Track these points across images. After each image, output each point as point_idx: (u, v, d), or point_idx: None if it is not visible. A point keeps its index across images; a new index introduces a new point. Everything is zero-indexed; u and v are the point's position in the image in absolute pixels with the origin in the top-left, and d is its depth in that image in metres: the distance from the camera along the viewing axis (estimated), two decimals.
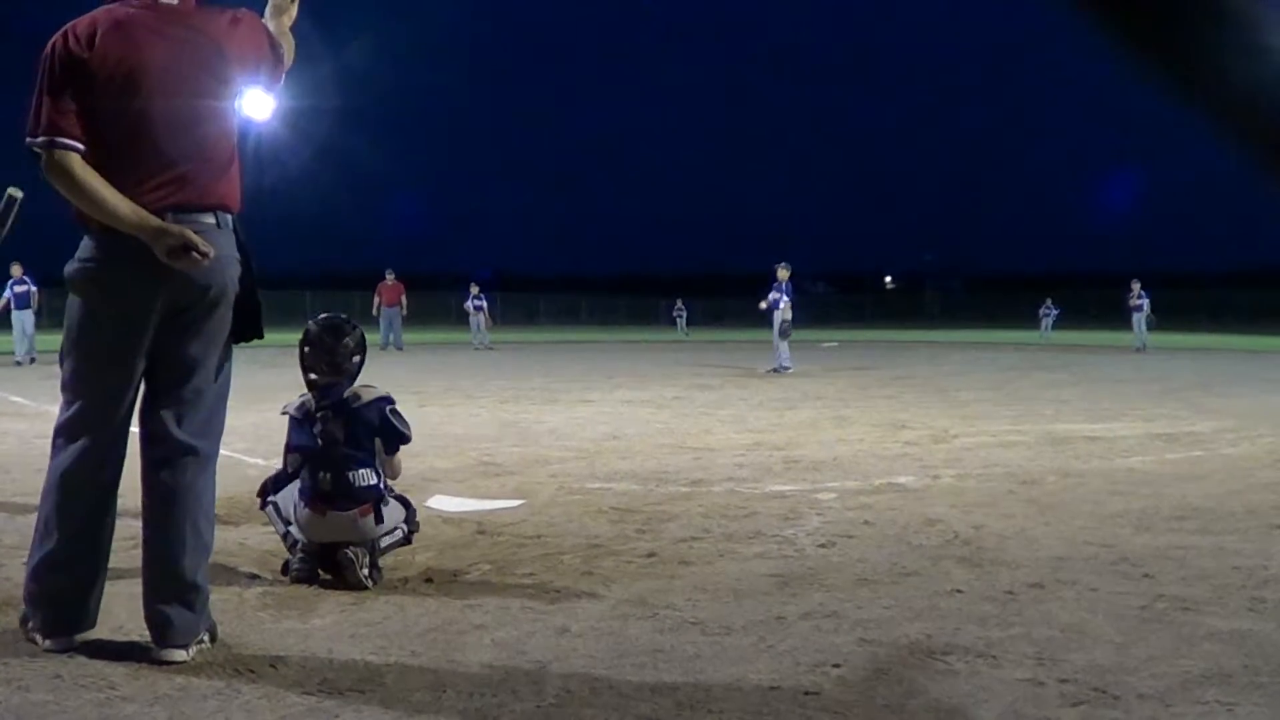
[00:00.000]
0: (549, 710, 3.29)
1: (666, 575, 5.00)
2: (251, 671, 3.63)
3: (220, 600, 4.34)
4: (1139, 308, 32.79)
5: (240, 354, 4.16)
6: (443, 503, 6.85)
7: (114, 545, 3.97)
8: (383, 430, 4.93)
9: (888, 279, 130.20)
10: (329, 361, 5.01)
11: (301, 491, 4.93)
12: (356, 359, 5.09)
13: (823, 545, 5.64)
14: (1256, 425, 11.73)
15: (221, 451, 4.11)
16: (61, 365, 3.88)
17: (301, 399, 5.05)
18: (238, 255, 3.95)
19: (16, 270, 24.37)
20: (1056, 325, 48.56)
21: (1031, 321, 51.91)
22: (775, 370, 20.82)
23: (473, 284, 35.57)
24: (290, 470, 5.04)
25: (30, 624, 3.86)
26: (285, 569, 4.91)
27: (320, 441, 4.90)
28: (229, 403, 4.09)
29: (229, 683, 3.52)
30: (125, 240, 3.66)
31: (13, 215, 5.75)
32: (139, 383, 3.88)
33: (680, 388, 17.53)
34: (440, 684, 3.52)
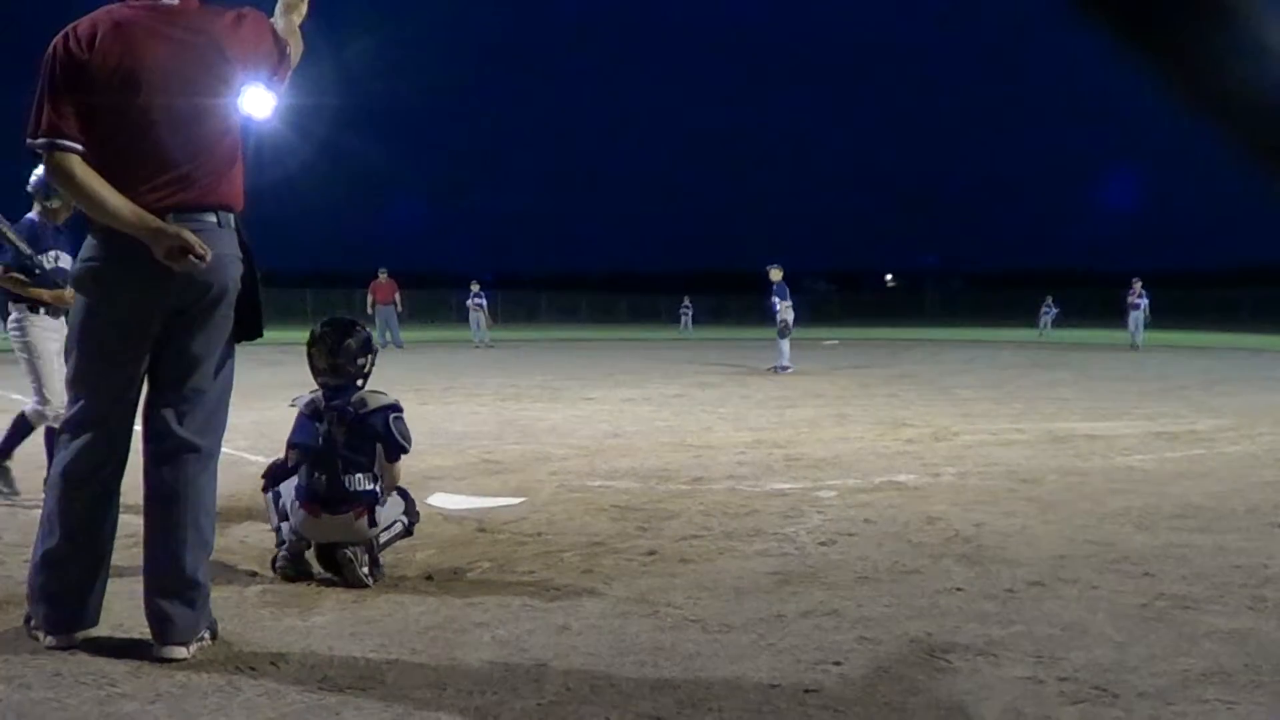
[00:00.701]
0: (549, 708, 3.30)
1: (667, 573, 5.00)
2: (252, 669, 3.63)
3: (221, 598, 4.34)
4: (1137, 306, 32.73)
5: (241, 352, 4.16)
6: (443, 500, 6.86)
7: (115, 543, 3.98)
8: (385, 438, 4.94)
9: (888, 277, 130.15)
10: (333, 364, 5.02)
11: (298, 490, 4.95)
12: (361, 361, 5.09)
13: (823, 543, 5.64)
14: (1257, 424, 11.72)
15: (223, 449, 4.11)
16: (65, 364, 3.89)
17: (312, 395, 5.07)
18: (239, 254, 3.95)
19: None
20: (1056, 324, 48.54)
21: (1032, 320, 51.89)
22: (775, 369, 20.82)
23: (473, 282, 35.51)
24: (290, 465, 5.05)
25: (32, 621, 3.87)
26: (273, 564, 4.92)
27: (321, 442, 4.91)
28: (230, 401, 4.10)
29: (230, 680, 3.53)
30: (127, 240, 3.67)
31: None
32: (142, 381, 3.89)
33: (681, 386, 17.52)
34: (441, 681, 3.52)
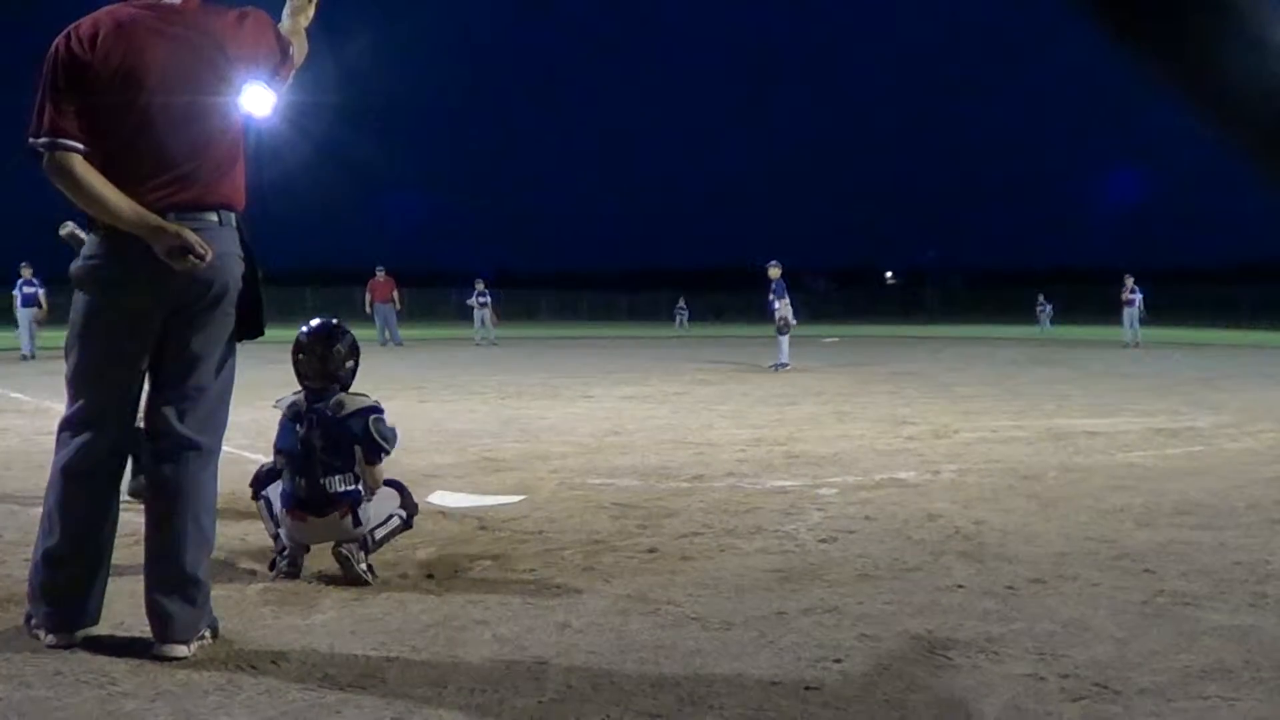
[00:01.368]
0: (550, 706, 3.30)
1: (667, 571, 5.00)
2: (253, 667, 3.63)
3: (222, 596, 4.34)
4: (1131, 303, 32.71)
5: (242, 350, 4.16)
6: (444, 498, 6.85)
7: (116, 541, 3.98)
8: (364, 440, 4.93)
9: (888, 274, 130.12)
10: (320, 369, 5.03)
11: (282, 495, 4.98)
12: (349, 364, 5.10)
13: (824, 540, 5.64)
14: (1258, 420, 11.72)
15: (223, 447, 4.11)
16: (66, 361, 3.90)
17: (294, 396, 5.07)
18: (240, 253, 3.96)
19: (26, 272, 25.24)
20: (1054, 320, 48.65)
21: (1032, 317, 51.95)
22: (774, 367, 20.82)
23: (478, 280, 35.46)
24: (278, 468, 5.07)
25: (33, 620, 3.87)
26: (272, 566, 4.92)
27: (299, 446, 4.93)
28: (231, 399, 4.10)
29: (230, 678, 3.53)
30: (129, 239, 3.68)
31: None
32: (143, 379, 3.90)
33: (681, 383, 17.53)
34: (441, 679, 3.52)
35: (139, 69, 3.70)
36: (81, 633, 3.85)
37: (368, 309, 33.03)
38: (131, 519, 4.27)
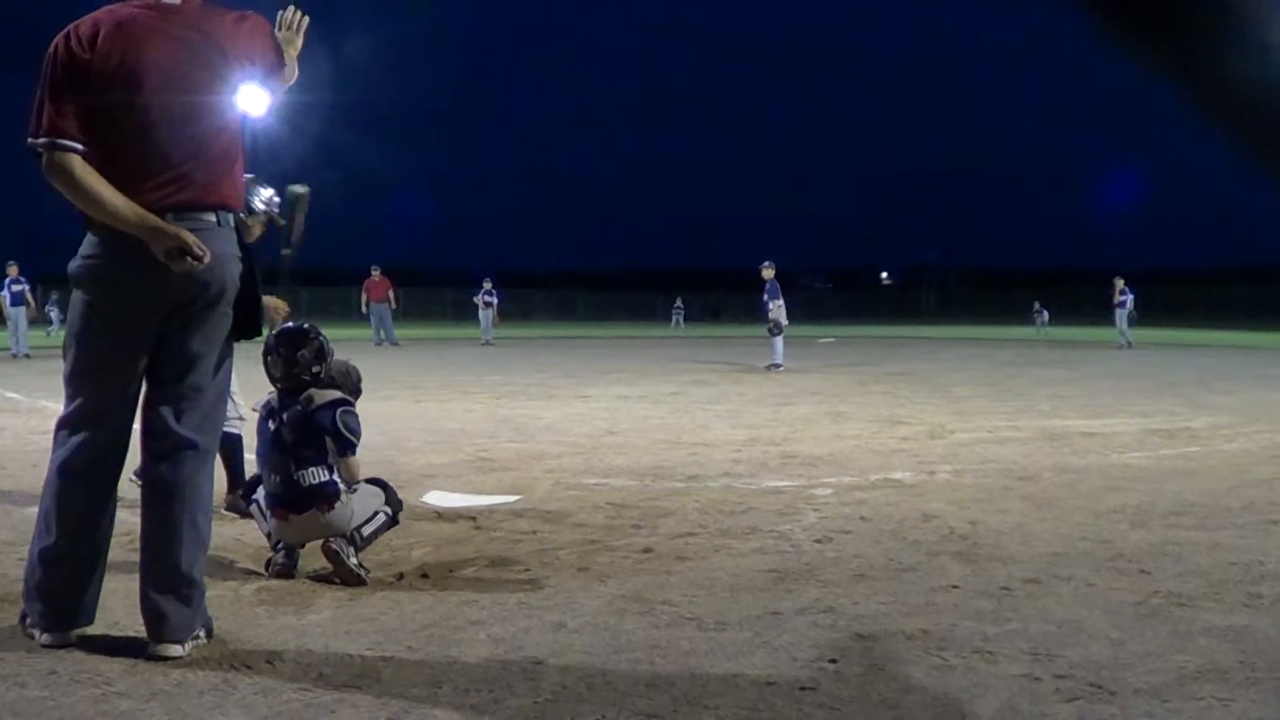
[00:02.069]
0: (545, 706, 3.29)
1: (663, 571, 5.00)
2: (248, 667, 3.62)
3: (217, 596, 4.34)
4: (1123, 304, 32.74)
5: (240, 350, 4.17)
6: (439, 498, 6.85)
7: (111, 541, 3.97)
8: (333, 433, 4.96)
9: (884, 275, 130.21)
10: (287, 372, 5.08)
11: (265, 498, 5.02)
12: (317, 369, 5.12)
13: (819, 541, 5.64)
14: (1253, 421, 11.74)
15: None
16: (64, 360, 3.90)
17: (268, 396, 5.17)
18: (238, 253, 3.96)
19: (13, 270, 25.34)
20: (1050, 323, 48.75)
21: (1027, 317, 52.01)
22: (769, 368, 20.83)
23: (485, 280, 35.39)
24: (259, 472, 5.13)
25: (28, 619, 3.86)
26: (268, 566, 4.93)
27: (272, 442, 4.99)
28: (227, 399, 4.10)
29: (225, 678, 3.52)
30: (127, 238, 3.68)
31: (302, 213, 5.98)
32: (140, 378, 3.89)
33: (677, 384, 17.53)
34: (436, 679, 3.52)
35: (138, 69, 3.70)
36: (77, 632, 3.84)
37: (364, 309, 33.03)
38: (127, 518, 4.27)
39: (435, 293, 64.10)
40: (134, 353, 3.83)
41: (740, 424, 11.54)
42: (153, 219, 3.67)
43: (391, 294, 32.65)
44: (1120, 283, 32.89)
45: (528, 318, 66.72)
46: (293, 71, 4.31)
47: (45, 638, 3.79)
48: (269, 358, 5.12)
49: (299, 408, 4.98)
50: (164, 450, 3.84)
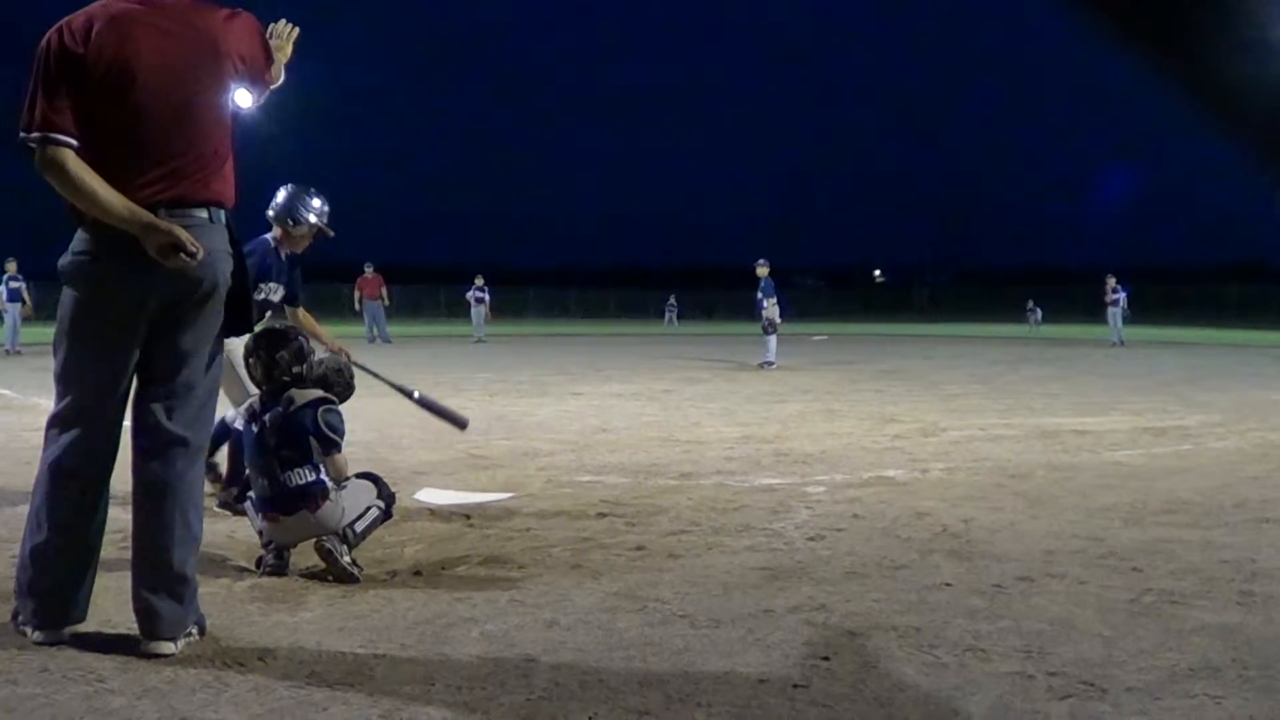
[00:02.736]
0: (538, 703, 3.29)
1: (655, 568, 5.00)
2: (240, 664, 3.62)
3: (209, 593, 4.33)
4: (1115, 303, 32.80)
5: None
6: (431, 496, 6.85)
7: (104, 538, 3.97)
8: (315, 432, 4.95)
9: (877, 273, 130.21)
10: (266, 374, 5.10)
11: (254, 501, 5.01)
12: (297, 370, 5.12)
13: (812, 539, 5.64)
14: (1244, 419, 11.76)
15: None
16: (54, 357, 3.89)
17: (250, 400, 5.20)
18: (230, 250, 3.96)
19: (12, 267, 25.35)
20: (1043, 321, 48.85)
21: (1020, 316, 52.07)
22: (761, 365, 20.84)
23: (477, 276, 35.38)
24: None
25: (20, 616, 3.86)
26: (259, 564, 4.93)
27: (257, 445, 5.01)
28: (219, 396, 4.09)
29: (218, 675, 3.52)
30: (118, 234, 3.68)
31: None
32: (131, 375, 3.88)
33: (670, 381, 17.53)
34: (429, 677, 3.51)
35: (131, 64, 3.70)
36: (69, 629, 3.84)
37: (356, 306, 33.03)
38: (119, 516, 4.26)
39: (427, 290, 64.03)
40: (124, 350, 3.82)
41: (733, 421, 11.55)
42: (145, 214, 3.67)
43: (384, 291, 32.64)
44: (1112, 281, 32.95)
45: (520, 315, 66.68)
46: (279, 73, 4.35)
47: (37, 635, 3.79)
48: (249, 360, 5.15)
49: (280, 409, 4.99)
50: (155, 447, 3.84)
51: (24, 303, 25.35)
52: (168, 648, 3.71)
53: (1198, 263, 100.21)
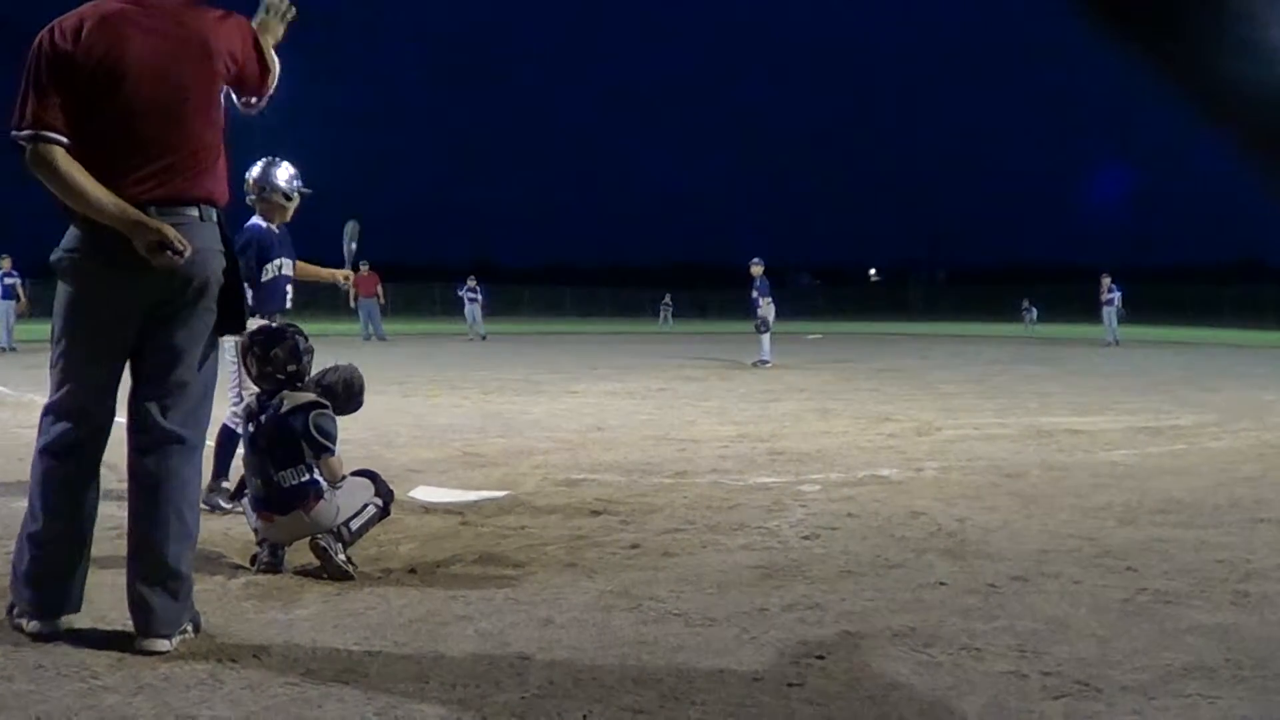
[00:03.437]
0: (532, 701, 3.29)
1: (650, 567, 5.00)
2: (235, 661, 3.62)
3: (204, 590, 4.33)
4: (1110, 302, 32.83)
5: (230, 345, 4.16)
6: (426, 494, 6.84)
7: (98, 535, 3.98)
8: (306, 438, 4.94)
9: (872, 272, 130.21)
10: (260, 372, 5.09)
11: (249, 500, 5.01)
12: (292, 368, 5.11)
13: (806, 537, 5.65)
14: (1239, 419, 11.78)
15: (207, 442, 4.10)
16: (52, 348, 3.91)
17: (247, 399, 5.21)
18: (221, 248, 3.96)
19: (5, 263, 25.32)
20: (1038, 320, 48.90)
21: (1016, 315, 52.13)
22: (756, 364, 20.84)
23: (469, 277, 35.44)
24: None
25: (15, 609, 3.86)
26: (253, 561, 4.92)
27: (251, 446, 5.01)
28: (214, 393, 4.09)
29: (212, 672, 3.52)
30: (109, 232, 3.69)
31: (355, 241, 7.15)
32: (122, 369, 3.90)
33: (665, 379, 17.53)
34: (423, 674, 3.51)
35: (122, 63, 3.72)
36: (64, 619, 3.85)
37: (352, 304, 32.98)
38: (114, 512, 4.26)
39: (423, 287, 63.98)
40: (115, 345, 3.85)
41: (728, 420, 11.55)
42: (134, 212, 3.69)
43: (380, 289, 32.62)
44: (1107, 280, 32.98)
45: (515, 313, 66.65)
46: (273, 63, 4.22)
47: (33, 625, 3.79)
48: (246, 357, 5.15)
49: (273, 410, 4.99)
50: (150, 444, 3.84)
51: (19, 299, 25.28)
52: (163, 644, 3.71)
53: (1193, 262, 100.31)
